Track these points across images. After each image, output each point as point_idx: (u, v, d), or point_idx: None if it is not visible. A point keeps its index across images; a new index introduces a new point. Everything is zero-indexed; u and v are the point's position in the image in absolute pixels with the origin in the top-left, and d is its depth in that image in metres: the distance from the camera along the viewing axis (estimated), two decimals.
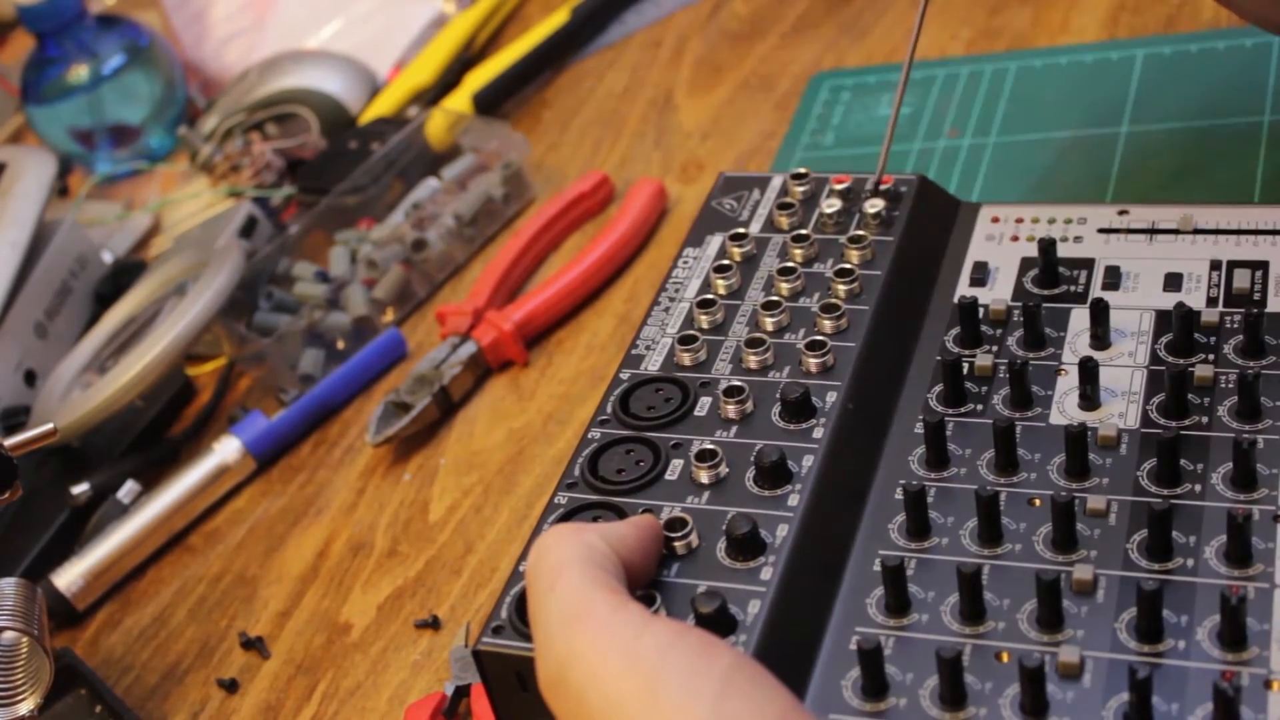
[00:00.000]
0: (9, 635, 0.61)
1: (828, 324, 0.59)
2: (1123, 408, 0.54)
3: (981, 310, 0.59)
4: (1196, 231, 0.61)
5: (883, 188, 0.65)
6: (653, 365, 0.60)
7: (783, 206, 0.65)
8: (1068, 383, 0.56)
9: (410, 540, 0.74)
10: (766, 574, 0.50)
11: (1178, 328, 0.56)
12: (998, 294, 0.61)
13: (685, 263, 0.65)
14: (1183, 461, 0.52)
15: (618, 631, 0.44)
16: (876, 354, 0.58)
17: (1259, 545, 0.48)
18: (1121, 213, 0.63)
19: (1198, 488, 0.51)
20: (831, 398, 0.56)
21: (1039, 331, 0.58)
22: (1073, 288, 0.60)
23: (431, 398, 0.78)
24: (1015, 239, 0.63)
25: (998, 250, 0.63)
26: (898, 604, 0.50)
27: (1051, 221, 0.64)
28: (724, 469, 0.54)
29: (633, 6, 1.04)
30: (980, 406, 0.56)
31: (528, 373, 0.80)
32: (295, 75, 1.06)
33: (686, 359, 0.59)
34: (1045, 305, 0.59)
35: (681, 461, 0.55)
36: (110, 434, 0.85)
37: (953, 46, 0.88)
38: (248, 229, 0.95)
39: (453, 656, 0.65)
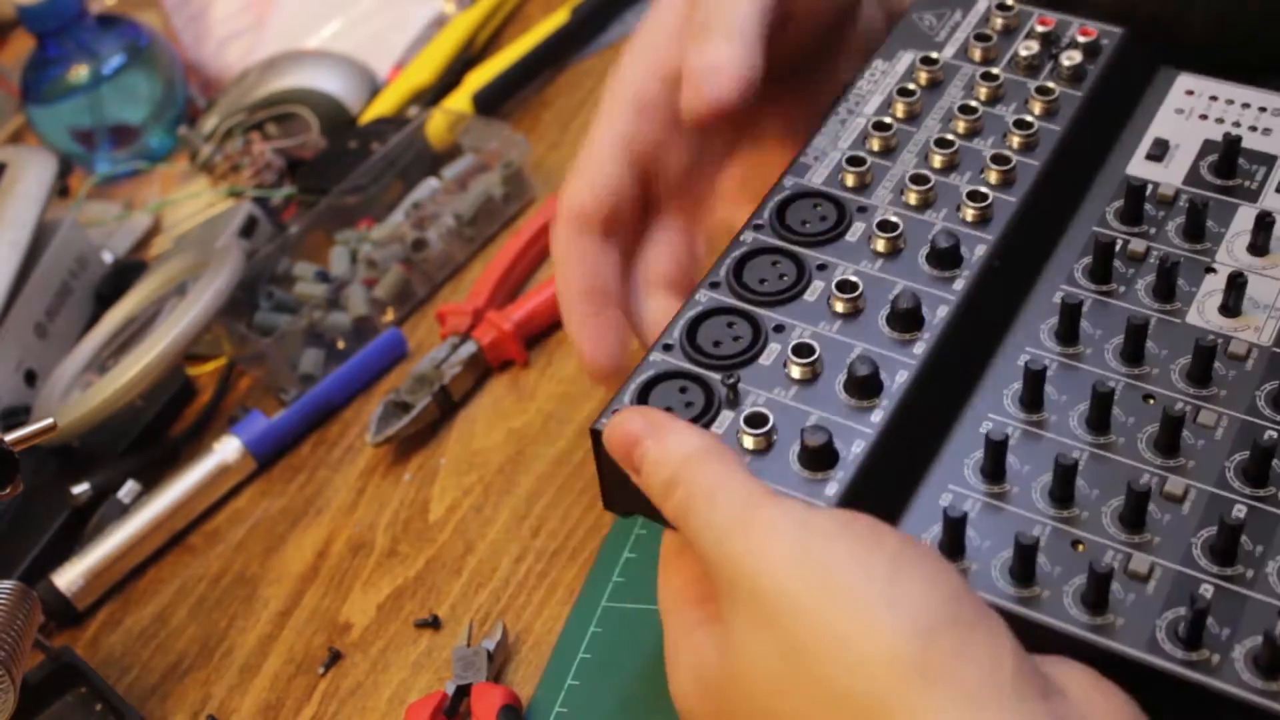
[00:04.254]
0: None
1: (994, 175, 0.59)
2: (1261, 321, 0.54)
3: (1150, 187, 0.59)
4: None
5: (1084, 39, 0.63)
6: (817, 178, 0.60)
7: (980, 37, 0.64)
8: (1215, 282, 0.55)
9: (410, 540, 0.74)
10: (877, 417, 0.51)
11: None
12: (1170, 175, 0.60)
13: (872, 75, 0.64)
14: None
15: (784, 527, 0.45)
16: (1034, 214, 0.58)
17: None
18: None
19: None
20: (980, 250, 0.56)
21: (1200, 225, 0.57)
22: (1248, 183, 0.59)
23: (431, 397, 0.78)
24: (1204, 118, 0.62)
25: (1183, 126, 0.61)
26: (994, 472, 0.51)
27: (1246, 106, 0.62)
28: (861, 303, 0.55)
29: (633, 6, 1.04)
30: (1122, 289, 0.56)
31: (528, 372, 0.80)
32: (295, 75, 1.06)
33: (850, 179, 0.60)
34: (1213, 197, 0.58)
35: (823, 284, 0.56)
36: (110, 434, 0.85)
37: None
38: (248, 229, 0.95)
39: (454, 655, 0.65)
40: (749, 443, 0.51)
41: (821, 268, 0.56)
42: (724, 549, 0.46)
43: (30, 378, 0.90)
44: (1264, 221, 0.56)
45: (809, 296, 0.56)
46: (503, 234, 0.91)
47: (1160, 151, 0.61)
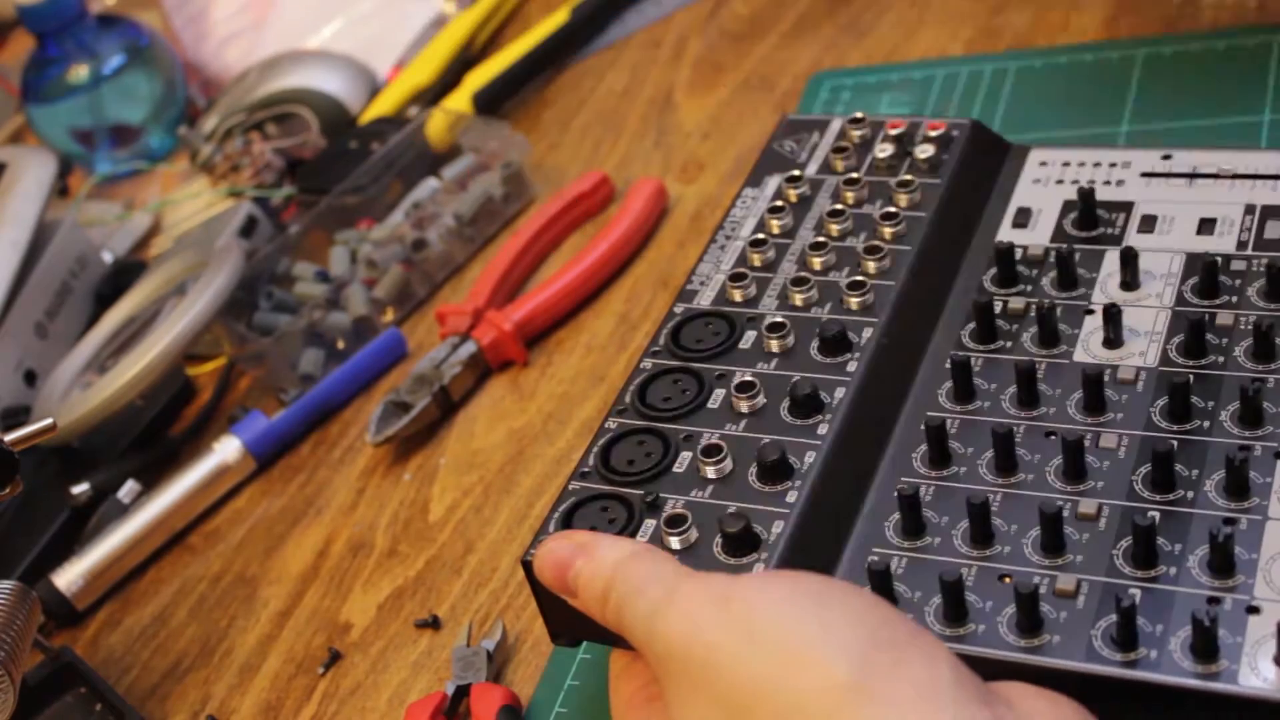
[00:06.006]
0: None
1: (870, 265, 0.61)
2: (1144, 346, 0.57)
3: (1020, 251, 0.61)
4: (1236, 176, 0.62)
5: (935, 133, 0.67)
6: (705, 300, 0.63)
7: (838, 150, 0.68)
8: (1094, 322, 0.58)
9: (410, 540, 0.74)
10: (792, 497, 0.53)
11: (1203, 275, 0.57)
12: (1037, 237, 0.63)
13: (744, 202, 0.68)
14: (1194, 399, 0.53)
15: (706, 593, 0.46)
16: (914, 293, 0.61)
17: (1257, 480, 0.50)
18: (1165, 157, 0.64)
19: (1206, 424, 0.53)
20: (868, 334, 0.59)
21: (1071, 273, 0.60)
22: (1110, 230, 0.62)
23: (431, 397, 0.78)
24: (1060, 182, 0.65)
25: (1042, 193, 0.65)
26: (913, 528, 0.52)
27: (1097, 165, 0.65)
28: (761, 399, 0.57)
29: (633, 6, 1.04)
30: (1009, 344, 0.58)
31: (528, 372, 0.80)
32: (295, 75, 1.06)
33: (736, 295, 0.62)
34: (1080, 247, 0.61)
35: (723, 391, 0.58)
36: (110, 434, 0.85)
37: (952, 46, 0.88)
38: (248, 229, 0.95)
39: (454, 655, 0.65)
40: (674, 543, 0.53)
41: (720, 377, 0.59)
42: (655, 630, 0.46)
43: (30, 378, 0.90)
44: (1129, 257, 0.58)
45: (712, 404, 0.58)
46: (503, 234, 0.91)
47: (1025, 219, 0.63)
